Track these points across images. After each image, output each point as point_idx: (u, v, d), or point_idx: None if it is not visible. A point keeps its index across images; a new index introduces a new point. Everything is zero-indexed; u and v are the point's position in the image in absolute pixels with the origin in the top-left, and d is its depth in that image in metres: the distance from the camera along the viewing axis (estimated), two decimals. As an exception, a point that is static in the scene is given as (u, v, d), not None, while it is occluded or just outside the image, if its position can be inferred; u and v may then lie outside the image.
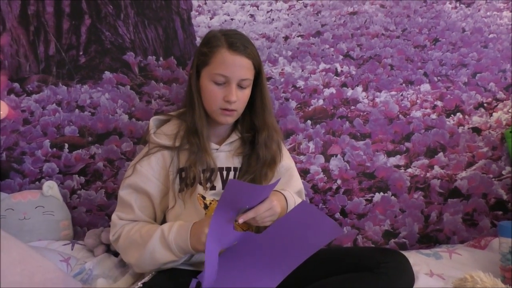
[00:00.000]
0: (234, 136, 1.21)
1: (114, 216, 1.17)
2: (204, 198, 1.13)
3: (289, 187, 1.22)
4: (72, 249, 1.37)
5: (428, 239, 1.57)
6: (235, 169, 1.19)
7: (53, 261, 1.20)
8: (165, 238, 1.05)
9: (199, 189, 1.14)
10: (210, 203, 1.12)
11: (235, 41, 1.12)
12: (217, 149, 1.19)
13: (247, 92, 1.16)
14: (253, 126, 1.21)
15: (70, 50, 1.48)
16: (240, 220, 1.00)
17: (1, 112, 1.41)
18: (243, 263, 1.03)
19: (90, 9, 1.47)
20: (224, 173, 1.18)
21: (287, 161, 1.27)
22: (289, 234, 1.02)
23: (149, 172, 1.16)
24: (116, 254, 1.36)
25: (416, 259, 1.35)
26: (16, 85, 1.48)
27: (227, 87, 1.13)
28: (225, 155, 1.20)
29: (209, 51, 1.13)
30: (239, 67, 1.12)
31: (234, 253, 1.05)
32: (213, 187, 1.16)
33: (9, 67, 1.47)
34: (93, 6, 1.47)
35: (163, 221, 1.19)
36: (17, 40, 1.46)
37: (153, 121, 1.23)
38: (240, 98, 1.14)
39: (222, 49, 1.12)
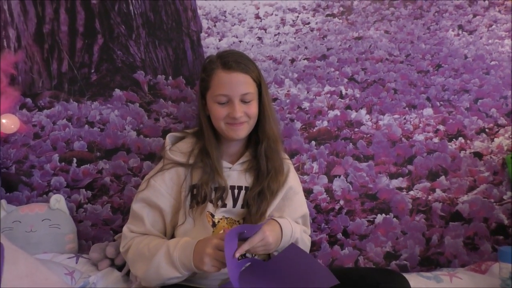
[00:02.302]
0: (248, 156, 1.23)
1: (125, 229, 1.19)
2: (213, 216, 1.15)
3: (291, 211, 1.23)
4: (76, 263, 1.38)
5: (429, 262, 1.57)
6: (246, 188, 1.21)
7: (58, 274, 1.21)
8: (170, 254, 1.07)
9: (209, 207, 1.16)
10: (219, 221, 1.15)
11: (227, 60, 1.16)
12: (230, 168, 1.21)
13: (253, 105, 1.18)
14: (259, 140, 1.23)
15: (82, 68, 1.52)
16: (237, 254, 1.01)
17: (13, 126, 1.43)
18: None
19: (103, 29, 1.51)
20: (236, 191, 1.20)
21: (294, 184, 1.28)
22: (284, 274, 1.04)
23: (162, 188, 1.18)
24: (120, 268, 1.37)
25: (417, 281, 1.36)
26: (29, 100, 1.52)
27: (231, 104, 1.15)
28: (237, 173, 1.22)
29: (207, 75, 1.18)
30: (236, 83, 1.15)
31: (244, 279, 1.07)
32: (224, 205, 1.18)
33: (23, 83, 1.51)
34: (106, 26, 1.51)
35: (173, 236, 1.20)
36: (31, 57, 1.51)
37: (169, 137, 1.25)
38: (248, 112, 1.16)
39: (217, 71, 1.16)
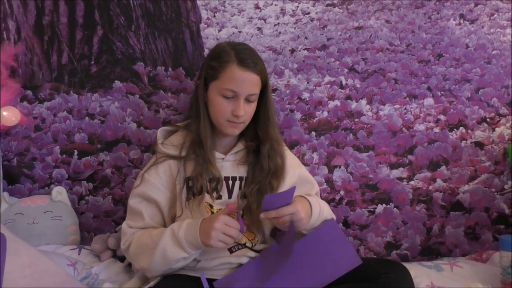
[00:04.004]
0: (240, 146, 1.24)
1: (124, 225, 1.19)
2: (211, 206, 1.16)
3: (310, 192, 1.26)
4: (79, 254, 1.39)
5: (430, 252, 1.58)
6: (240, 178, 1.21)
7: (61, 265, 1.22)
8: (176, 235, 1.07)
9: (207, 198, 1.16)
10: (217, 212, 1.15)
11: (245, 57, 1.13)
12: (223, 159, 1.21)
13: (253, 105, 1.18)
14: (257, 136, 1.24)
15: (82, 60, 1.52)
16: (262, 216, 1.05)
17: (14, 119, 1.43)
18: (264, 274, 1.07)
19: (102, 20, 1.51)
20: (230, 182, 1.20)
21: (299, 170, 1.30)
22: (313, 254, 1.07)
23: (157, 181, 1.18)
24: (122, 259, 1.38)
25: (418, 271, 1.36)
26: (29, 92, 1.52)
27: (235, 101, 1.14)
28: (230, 164, 1.22)
29: (219, 65, 1.14)
30: (248, 83, 1.14)
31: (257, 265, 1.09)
32: (219, 197, 1.18)
33: (23, 75, 1.51)
34: (106, 17, 1.51)
35: None
36: (31, 49, 1.51)
37: (160, 131, 1.25)
38: (247, 112, 1.16)
39: (232, 65, 1.13)
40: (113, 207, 1.53)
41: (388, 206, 1.57)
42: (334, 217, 1.25)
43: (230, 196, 1.19)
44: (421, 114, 1.59)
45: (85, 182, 1.53)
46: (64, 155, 1.52)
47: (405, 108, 1.59)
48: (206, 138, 1.17)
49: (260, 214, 1.07)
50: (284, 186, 1.23)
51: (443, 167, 1.58)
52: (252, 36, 1.56)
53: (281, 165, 1.23)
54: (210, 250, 1.10)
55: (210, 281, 1.11)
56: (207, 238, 1.03)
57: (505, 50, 1.60)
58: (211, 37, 1.54)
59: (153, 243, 1.10)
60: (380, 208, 1.57)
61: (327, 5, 1.59)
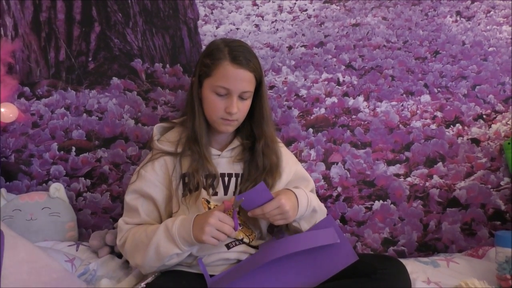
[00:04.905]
0: (236, 143, 1.24)
1: (120, 222, 1.20)
2: (208, 202, 1.16)
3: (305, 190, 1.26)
4: (77, 250, 1.39)
5: (427, 248, 1.59)
6: (236, 175, 1.22)
7: (59, 261, 1.22)
8: (169, 230, 1.07)
9: (204, 194, 1.16)
10: (214, 208, 1.15)
11: (238, 54, 1.13)
12: (219, 155, 1.22)
13: (247, 103, 1.18)
14: (252, 133, 1.24)
15: (79, 56, 1.52)
16: (249, 214, 1.07)
17: (11, 115, 1.43)
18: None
19: (100, 16, 1.51)
20: (226, 179, 1.21)
21: (295, 167, 1.30)
22: (310, 250, 1.08)
23: (153, 177, 1.18)
24: (119, 255, 1.38)
25: (414, 267, 1.37)
26: (27, 89, 1.52)
27: (229, 98, 1.14)
28: (226, 161, 1.22)
29: (212, 63, 1.14)
30: (241, 80, 1.13)
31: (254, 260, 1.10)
32: (215, 193, 1.19)
33: (20, 72, 1.51)
34: (103, 14, 1.51)
35: None
36: (28, 46, 1.50)
37: (157, 128, 1.25)
38: (241, 109, 1.16)
39: (225, 62, 1.13)
40: (111, 204, 1.53)
41: (385, 202, 1.58)
42: (324, 209, 1.27)
43: (226, 193, 1.20)
44: (418, 111, 1.60)
45: (83, 178, 1.53)
46: (62, 152, 1.52)
47: (402, 105, 1.60)
48: (201, 135, 1.17)
49: (248, 213, 1.08)
50: (281, 184, 1.23)
51: (440, 164, 1.59)
52: (249, 33, 1.56)
53: (276, 162, 1.23)
54: (205, 246, 1.10)
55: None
56: (201, 233, 1.03)
57: (501, 47, 1.61)
58: (208, 34, 1.54)
59: (147, 239, 1.10)
60: (377, 204, 1.57)
61: (324, 2, 1.59)
